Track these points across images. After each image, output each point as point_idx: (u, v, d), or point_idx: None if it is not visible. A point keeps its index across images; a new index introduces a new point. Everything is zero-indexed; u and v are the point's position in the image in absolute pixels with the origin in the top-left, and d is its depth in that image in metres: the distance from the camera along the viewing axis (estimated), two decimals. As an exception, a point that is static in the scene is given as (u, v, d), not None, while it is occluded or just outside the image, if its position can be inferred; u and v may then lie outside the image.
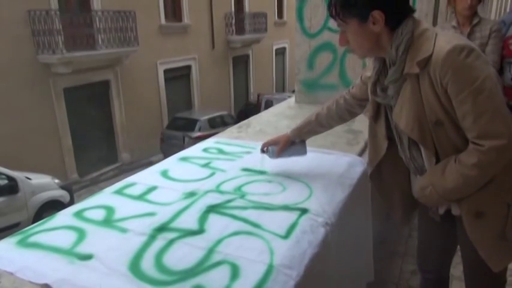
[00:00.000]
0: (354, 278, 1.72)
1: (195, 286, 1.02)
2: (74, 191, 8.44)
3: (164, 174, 1.77)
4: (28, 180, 6.88)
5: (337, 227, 1.37)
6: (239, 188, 1.59)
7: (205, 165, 1.86)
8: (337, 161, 1.87)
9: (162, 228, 1.28)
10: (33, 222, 1.49)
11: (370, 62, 1.39)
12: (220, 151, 2.09)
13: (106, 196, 1.57)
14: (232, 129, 2.59)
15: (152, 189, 1.61)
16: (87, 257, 1.14)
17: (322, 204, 1.45)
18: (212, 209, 1.41)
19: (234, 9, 16.36)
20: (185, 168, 1.85)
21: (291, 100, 3.46)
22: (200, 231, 1.27)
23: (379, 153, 1.41)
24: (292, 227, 1.29)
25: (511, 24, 2.70)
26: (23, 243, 1.22)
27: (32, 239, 1.24)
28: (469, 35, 2.75)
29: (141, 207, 1.45)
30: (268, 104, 12.17)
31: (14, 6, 8.97)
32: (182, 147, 2.53)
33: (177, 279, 1.04)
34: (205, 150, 2.11)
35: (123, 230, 1.29)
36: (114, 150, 12.07)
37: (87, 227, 1.31)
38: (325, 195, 1.52)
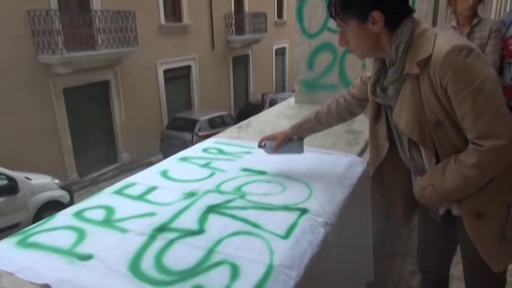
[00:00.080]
0: (354, 278, 1.72)
1: (195, 286, 1.02)
2: (74, 191, 8.44)
3: (164, 174, 1.77)
4: (28, 180, 6.88)
5: (337, 227, 1.37)
6: (239, 188, 1.59)
7: (205, 166, 1.87)
8: (337, 161, 1.87)
9: (162, 229, 1.28)
10: (33, 223, 1.49)
11: (369, 63, 1.39)
12: (220, 151, 2.09)
13: (106, 196, 1.57)
14: (232, 130, 2.59)
15: (152, 189, 1.61)
16: (87, 257, 1.14)
17: (322, 204, 1.45)
18: (212, 209, 1.41)
19: (233, 9, 16.36)
20: (185, 169, 1.85)
21: (291, 100, 3.46)
22: (200, 231, 1.27)
23: (380, 154, 1.41)
24: (292, 227, 1.29)
25: (510, 24, 2.70)
26: (23, 244, 1.22)
27: (32, 239, 1.24)
28: (469, 35, 2.75)
29: (141, 207, 1.45)
30: (273, 103, 12.17)
31: (14, 6, 8.97)
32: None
33: (177, 279, 1.04)
34: (205, 150, 2.11)
35: (123, 230, 1.29)
36: (114, 150, 12.07)
37: (87, 227, 1.31)
38: (325, 195, 1.52)
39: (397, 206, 1.50)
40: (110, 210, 1.43)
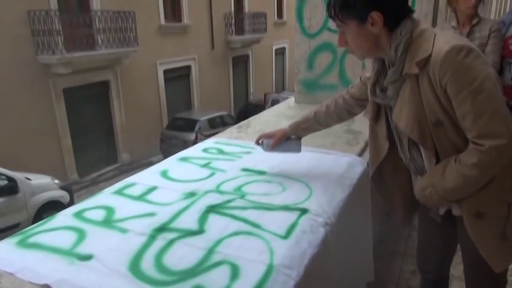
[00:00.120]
0: (354, 278, 1.72)
1: (195, 286, 1.02)
2: (74, 192, 8.44)
3: (164, 174, 1.77)
4: (28, 180, 6.88)
5: (337, 227, 1.38)
6: (239, 188, 1.59)
7: (205, 166, 1.87)
8: (337, 161, 1.87)
9: (162, 229, 1.28)
10: (33, 223, 1.49)
11: (369, 63, 1.39)
12: (220, 151, 2.09)
13: (106, 196, 1.57)
14: (232, 130, 2.59)
15: (152, 189, 1.61)
16: (87, 258, 1.14)
17: (322, 204, 1.45)
18: (212, 209, 1.41)
19: (233, 9, 16.36)
20: (185, 169, 1.85)
21: (291, 100, 3.46)
22: (200, 231, 1.27)
23: (380, 154, 1.41)
24: (292, 227, 1.29)
25: (510, 24, 2.70)
26: (23, 244, 1.22)
27: (32, 240, 1.24)
28: (469, 35, 2.75)
29: (141, 207, 1.45)
30: (275, 103, 12.15)
31: (14, 7, 8.97)
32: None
33: (177, 279, 1.05)
34: (205, 150, 2.11)
35: (123, 231, 1.29)
36: (114, 150, 12.07)
37: (87, 228, 1.31)
38: (325, 196, 1.52)
39: (397, 207, 1.50)
40: (110, 210, 1.43)
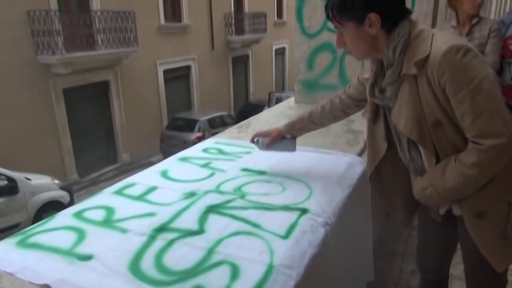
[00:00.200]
0: (354, 277, 1.72)
1: (195, 286, 1.02)
2: (74, 192, 8.44)
3: (164, 174, 1.77)
4: (28, 180, 6.88)
5: (337, 227, 1.38)
6: (239, 188, 1.59)
7: (205, 166, 1.87)
8: (337, 161, 1.87)
9: (162, 229, 1.28)
10: (33, 223, 1.49)
11: (368, 63, 1.39)
12: (220, 151, 2.09)
13: (106, 196, 1.57)
14: (232, 130, 2.59)
15: (152, 189, 1.61)
16: (87, 258, 1.14)
17: (322, 204, 1.45)
18: (212, 209, 1.41)
19: (233, 9, 16.36)
20: (185, 169, 1.85)
21: (291, 100, 3.47)
22: (200, 231, 1.27)
23: (378, 155, 1.42)
24: (292, 227, 1.29)
25: (510, 24, 2.70)
26: (23, 244, 1.22)
27: (32, 240, 1.24)
28: (468, 35, 2.75)
29: (141, 207, 1.45)
30: (279, 102, 12.18)
31: (14, 7, 8.97)
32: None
33: (177, 279, 1.05)
34: (205, 150, 2.11)
35: (123, 231, 1.29)
36: (114, 150, 12.07)
37: (87, 228, 1.31)
38: (325, 195, 1.52)
39: (397, 207, 1.50)
40: (109, 210, 1.43)
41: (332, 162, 1.87)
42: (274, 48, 19.72)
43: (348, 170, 1.77)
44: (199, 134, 10.95)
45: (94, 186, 10.30)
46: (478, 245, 1.22)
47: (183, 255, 1.15)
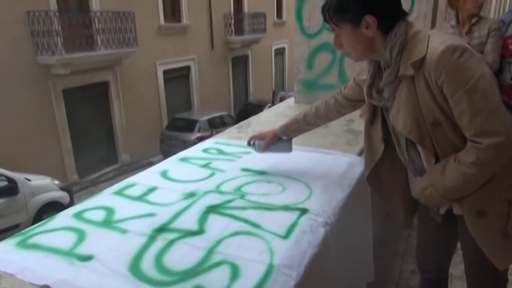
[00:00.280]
0: (354, 277, 1.72)
1: (195, 286, 1.02)
2: (74, 192, 8.44)
3: (164, 174, 1.77)
4: (28, 181, 6.87)
5: (337, 227, 1.38)
6: (239, 188, 1.59)
7: (205, 166, 1.87)
8: (336, 161, 1.87)
9: (162, 229, 1.28)
10: (33, 224, 1.49)
11: (365, 65, 1.40)
12: (220, 151, 2.09)
13: (106, 197, 1.57)
14: (232, 130, 2.59)
15: (152, 189, 1.61)
16: (87, 258, 1.14)
17: (322, 204, 1.45)
18: (212, 209, 1.41)
19: (233, 9, 16.36)
20: (185, 169, 1.85)
21: (291, 100, 3.47)
22: (200, 231, 1.27)
23: (375, 156, 1.42)
24: (292, 227, 1.29)
25: (510, 24, 2.70)
26: (23, 245, 1.22)
27: (32, 240, 1.24)
28: (468, 34, 2.75)
29: (141, 208, 1.45)
30: (283, 100, 12.17)
31: (13, 7, 8.97)
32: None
33: (177, 279, 1.05)
34: (205, 150, 2.11)
35: (123, 231, 1.29)
36: (113, 151, 12.07)
37: (87, 228, 1.31)
38: (325, 195, 1.52)
39: (397, 207, 1.50)
40: (110, 211, 1.43)
41: (332, 162, 1.87)
42: (273, 48, 19.72)
43: (348, 170, 1.77)
44: (200, 134, 10.93)
45: (94, 186, 10.30)
46: (479, 244, 1.22)
47: (183, 255, 1.15)
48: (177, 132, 11.58)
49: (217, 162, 1.90)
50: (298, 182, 1.65)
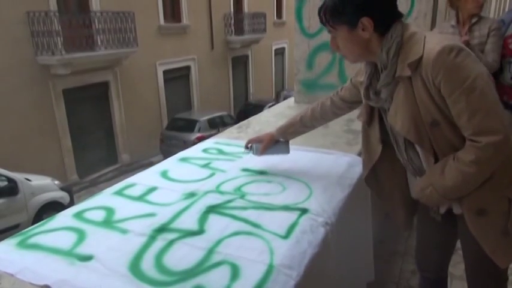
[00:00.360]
0: (354, 277, 1.72)
1: (195, 286, 1.02)
2: (74, 192, 8.44)
3: (164, 174, 1.77)
4: (28, 181, 6.88)
5: (337, 227, 1.38)
6: (239, 188, 1.59)
7: (205, 166, 1.87)
8: (337, 161, 1.87)
9: (162, 229, 1.28)
10: (33, 224, 1.49)
11: (362, 66, 1.40)
12: (220, 151, 2.09)
13: (106, 197, 1.57)
14: (232, 130, 2.59)
15: (152, 190, 1.61)
16: (87, 258, 1.14)
17: (322, 204, 1.45)
18: (212, 209, 1.41)
19: (233, 9, 16.36)
20: (185, 169, 1.85)
21: (291, 100, 3.47)
22: (200, 231, 1.27)
23: (373, 157, 1.42)
24: (292, 227, 1.29)
25: (510, 23, 2.70)
26: (23, 245, 1.22)
27: (32, 240, 1.24)
28: (468, 34, 2.75)
29: (141, 208, 1.45)
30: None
31: (13, 8, 8.97)
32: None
33: (177, 279, 1.05)
34: (205, 150, 2.11)
35: (123, 231, 1.29)
36: (113, 151, 12.07)
37: (87, 228, 1.31)
38: (325, 195, 1.52)
39: (397, 208, 1.50)
40: (110, 211, 1.43)
41: (332, 162, 1.87)
42: (273, 48, 19.72)
43: (348, 170, 1.77)
44: (200, 134, 10.92)
45: (94, 186, 10.30)
46: (480, 242, 1.22)
47: (183, 255, 1.15)
48: (177, 132, 11.58)
49: (217, 162, 1.90)
50: (298, 182, 1.65)
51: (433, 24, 2.97)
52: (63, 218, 1.40)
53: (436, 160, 1.22)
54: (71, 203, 7.37)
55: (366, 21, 1.17)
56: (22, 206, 6.68)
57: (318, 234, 1.27)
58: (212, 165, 1.87)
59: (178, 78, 14.20)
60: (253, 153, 1.80)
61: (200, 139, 9.23)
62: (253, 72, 18.38)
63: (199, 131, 11.34)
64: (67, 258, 1.14)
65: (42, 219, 1.42)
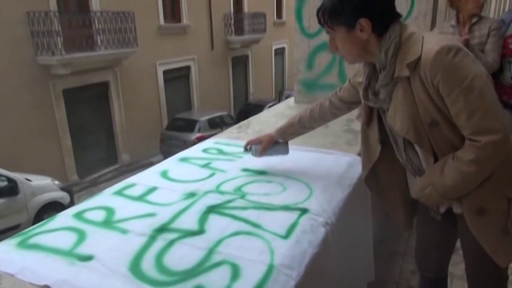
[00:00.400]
0: (354, 277, 1.72)
1: (195, 286, 1.02)
2: (74, 193, 8.44)
3: (164, 174, 1.77)
4: (28, 181, 6.88)
5: (337, 227, 1.38)
6: (239, 188, 1.59)
7: (205, 166, 1.87)
8: (337, 161, 1.87)
9: (162, 229, 1.28)
10: (33, 224, 1.49)
11: (360, 66, 1.40)
12: (220, 151, 2.09)
13: (106, 197, 1.57)
14: (232, 130, 2.59)
15: (152, 190, 1.61)
16: (87, 258, 1.14)
17: (322, 204, 1.45)
18: (212, 209, 1.41)
19: (233, 9, 16.36)
20: (185, 169, 1.85)
21: (291, 100, 3.47)
22: (200, 231, 1.27)
23: (372, 158, 1.42)
24: (293, 226, 1.29)
25: (510, 23, 2.70)
26: (23, 245, 1.22)
27: (32, 241, 1.25)
28: (468, 34, 2.75)
29: (141, 208, 1.45)
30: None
31: (13, 8, 8.97)
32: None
33: (177, 279, 1.05)
34: (205, 150, 2.11)
35: (123, 231, 1.29)
36: (114, 151, 12.07)
37: (87, 228, 1.31)
38: (325, 195, 1.52)
39: (396, 208, 1.50)
40: (110, 211, 1.43)
41: (332, 162, 1.87)
42: (273, 48, 19.72)
43: (348, 170, 1.77)
44: (200, 134, 10.93)
45: (94, 187, 10.30)
46: (480, 241, 1.23)
47: (183, 255, 1.15)
48: (177, 132, 11.58)
49: (217, 162, 1.90)
50: (299, 182, 1.65)
51: (433, 24, 2.97)
52: (64, 218, 1.40)
53: (436, 160, 1.22)
54: (71, 203, 7.37)
55: (364, 22, 1.17)
56: (22, 206, 6.68)
57: (318, 234, 1.27)
58: (212, 165, 1.87)
59: (178, 78, 14.20)
60: (252, 154, 1.81)
61: (200, 139, 9.23)
62: (253, 72, 18.38)
63: (199, 131, 11.34)
64: (67, 259, 1.14)
65: (43, 220, 1.42)
